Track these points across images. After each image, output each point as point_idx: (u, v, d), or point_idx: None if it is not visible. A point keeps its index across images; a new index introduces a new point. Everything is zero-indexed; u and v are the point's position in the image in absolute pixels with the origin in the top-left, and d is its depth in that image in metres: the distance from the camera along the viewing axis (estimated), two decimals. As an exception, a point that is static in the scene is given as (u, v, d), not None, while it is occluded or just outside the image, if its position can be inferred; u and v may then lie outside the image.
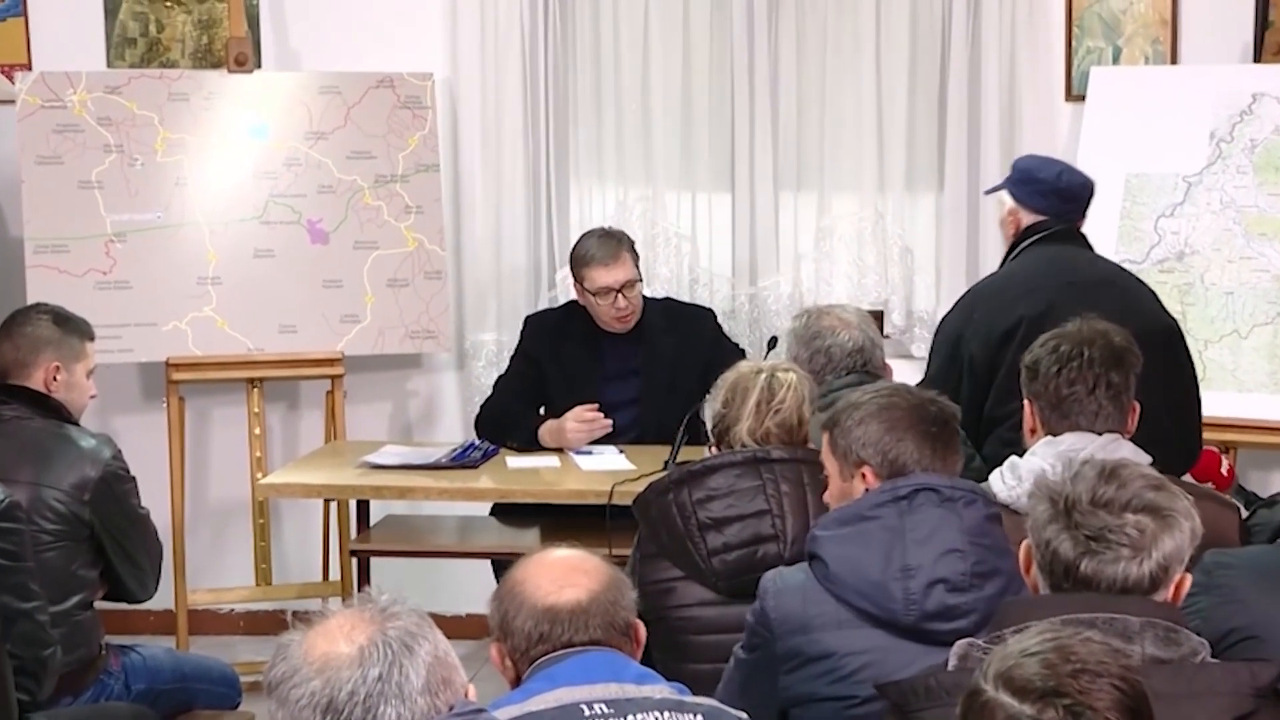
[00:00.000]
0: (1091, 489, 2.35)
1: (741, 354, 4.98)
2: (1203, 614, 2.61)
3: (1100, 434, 3.19)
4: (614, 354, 4.94)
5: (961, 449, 3.03)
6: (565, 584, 2.38)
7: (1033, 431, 3.30)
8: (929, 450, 2.96)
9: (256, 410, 5.32)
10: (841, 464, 3.05)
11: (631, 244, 4.94)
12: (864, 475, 3.00)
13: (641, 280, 4.93)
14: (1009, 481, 3.19)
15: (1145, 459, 3.14)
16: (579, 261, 4.89)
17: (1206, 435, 4.36)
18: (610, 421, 4.78)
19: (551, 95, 5.54)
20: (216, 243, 5.27)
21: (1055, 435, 3.22)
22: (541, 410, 4.94)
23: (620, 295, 4.85)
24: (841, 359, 4.05)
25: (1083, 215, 4.14)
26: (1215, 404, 4.62)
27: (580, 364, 4.92)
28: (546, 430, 4.80)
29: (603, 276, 4.84)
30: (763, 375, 3.48)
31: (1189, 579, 2.40)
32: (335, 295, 5.32)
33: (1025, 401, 3.31)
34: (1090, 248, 4.13)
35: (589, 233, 4.99)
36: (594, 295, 4.87)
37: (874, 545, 2.83)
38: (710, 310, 5.16)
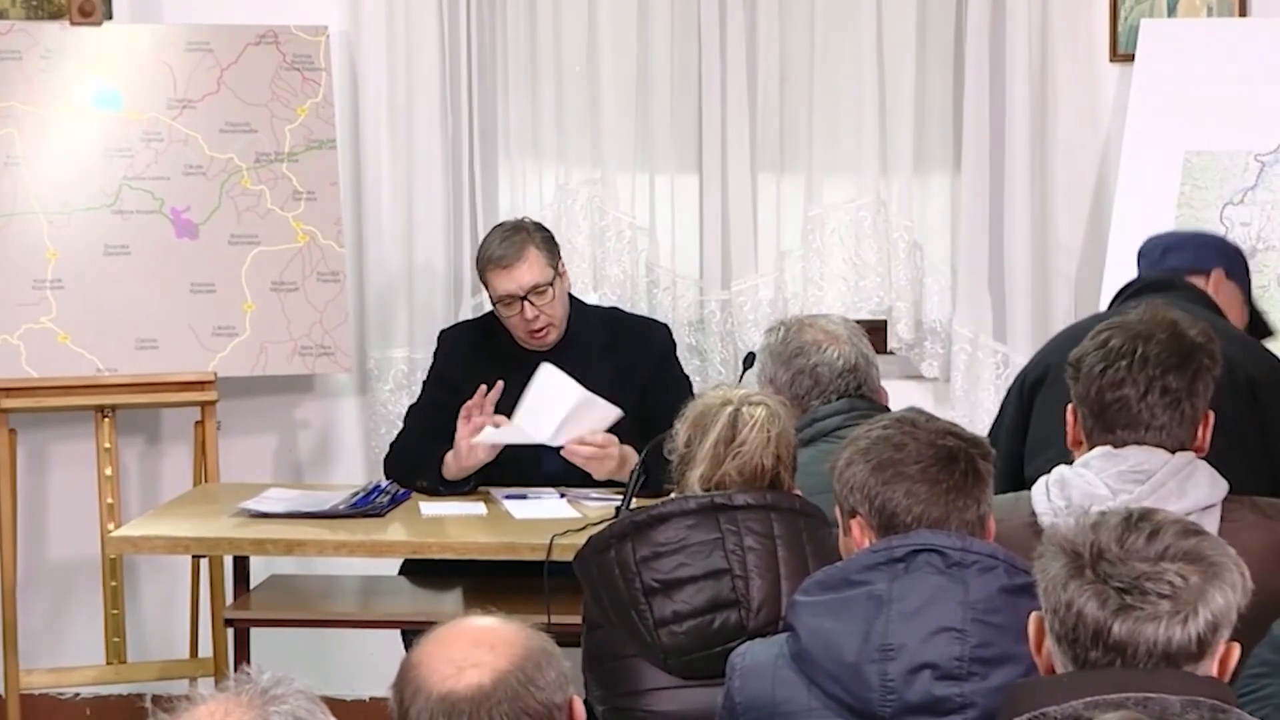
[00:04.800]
0: (1119, 535, 2.36)
1: (688, 386, 4.98)
2: (1274, 700, 2.62)
3: (1170, 451, 3.17)
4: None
5: (989, 493, 3.01)
6: (465, 665, 2.38)
7: (1077, 444, 3.29)
8: (934, 498, 2.94)
9: (108, 445, 5.29)
10: (840, 513, 3.08)
11: (546, 237, 4.92)
12: (856, 527, 3.02)
13: (560, 279, 4.89)
14: (1055, 501, 3.18)
15: (1223, 487, 3.14)
16: (480, 264, 4.92)
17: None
18: (496, 416, 4.72)
19: (476, 55, 5.54)
20: (57, 237, 5.24)
21: (1112, 447, 3.20)
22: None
23: (526, 304, 4.82)
24: (831, 380, 4.06)
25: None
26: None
27: (506, 387, 4.88)
28: (449, 458, 4.77)
29: (502, 281, 4.83)
30: (729, 409, 3.49)
31: (1237, 649, 2.41)
32: (206, 302, 5.30)
33: (1070, 408, 3.31)
34: (1213, 309, 3.94)
35: (494, 227, 5.01)
36: (499, 305, 4.87)
37: (854, 618, 2.85)
38: (665, 326, 5.16)
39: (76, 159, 5.28)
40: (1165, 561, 2.33)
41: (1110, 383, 3.19)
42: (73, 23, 5.31)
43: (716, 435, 3.46)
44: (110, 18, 5.47)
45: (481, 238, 5.50)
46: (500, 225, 4.98)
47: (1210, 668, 2.36)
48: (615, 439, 4.68)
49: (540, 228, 4.95)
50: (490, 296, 4.91)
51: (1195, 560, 2.35)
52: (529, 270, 4.81)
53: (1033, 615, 2.46)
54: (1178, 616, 2.31)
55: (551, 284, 4.84)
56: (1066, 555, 2.37)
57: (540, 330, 4.86)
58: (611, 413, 4.66)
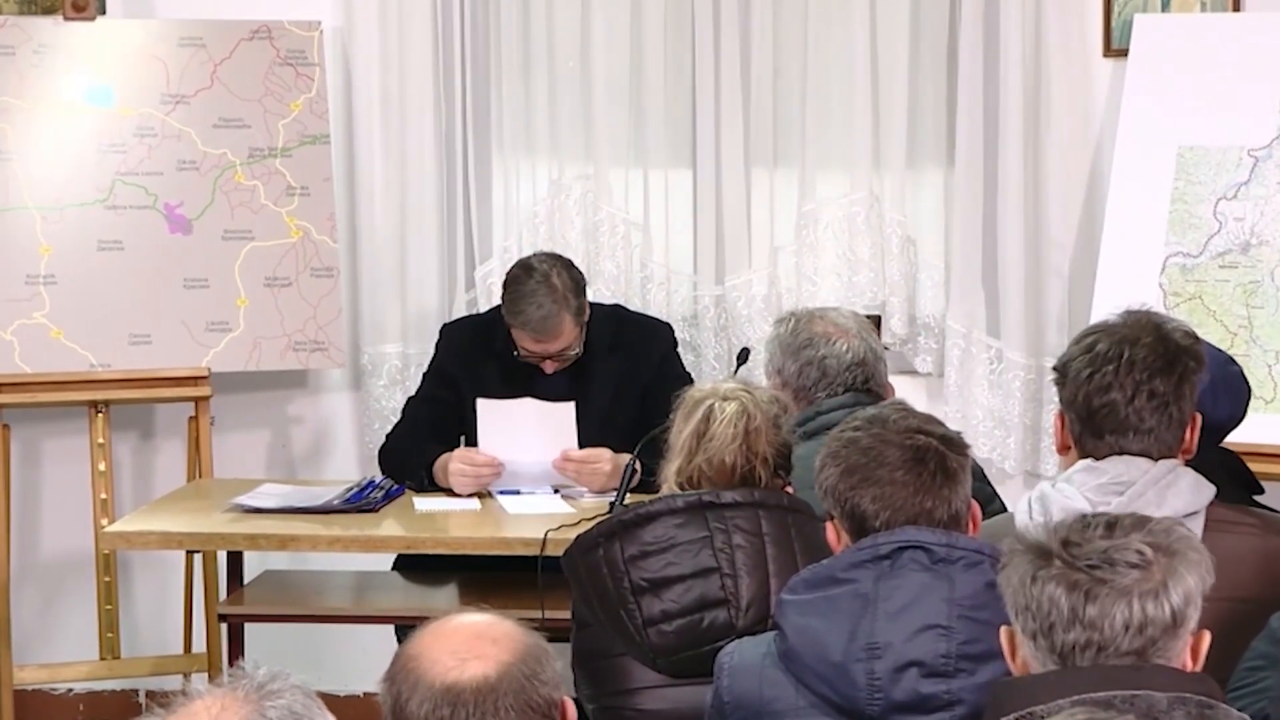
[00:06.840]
0: (1079, 530, 2.40)
1: (689, 384, 4.94)
2: (1270, 693, 2.63)
3: (1155, 458, 3.18)
4: (546, 377, 4.92)
5: (963, 489, 3.02)
6: (469, 656, 2.39)
7: (1065, 449, 3.30)
8: (902, 501, 2.95)
9: (101, 441, 5.29)
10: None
11: (578, 295, 4.85)
12: (832, 529, 3.04)
13: (584, 322, 4.89)
14: (1037, 517, 3.18)
15: (1208, 493, 3.15)
16: (506, 309, 4.86)
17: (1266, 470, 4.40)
18: (500, 470, 4.74)
19: (469, 50, 5.54)
20: (50, 232, 5.25)
21: (1094, 456, 3.21)
22: (463, 441, 4.91)
23: (549, 361, 4.85)
24: (838, 374, 4.08)
25: None
26: (1284, 432, 4.66)
27: (504, 388, 4.90)
28: (440, 467, 4.79)
29: (530, 344, 4.84)
30: (706, 402, 3.51)
31: (1207, 636, 2.43)
32: (200, 298, 5.31)
33: (1057, 413, 3.32)
34: None
35: (524, 272, 4.86)
36: (519, 348, 4.87)
37: (840, 616, 2.86)
38: (667, 325, 5.17)
39: (69, 154, 5.28)
40: (1128, 538, 2.37)
41: (1097, 387, 3.19)
42: (66, 18, 5.31)
43: (691, 429, 3.49)
44: (104, 13, 5.46)
45: (475, 233, 5.55)
46: (530, 276, 4.83)
47: (1184, 651, 2.38)
48: (605, 452, 4.70)
49: (573, 283, 4.84)
50: (510, 338, 4.87)
51: (1153, 537, 2.38)
52: (557, 341, 4.81)
53: (1002, 629, 2.48)
54: (1149, 589, 2.33)
55: (577, 345, 4.86)
56: (1032, 553, 2.39)
57: (555, 366, 4.88)
58: (566, 412, 4.69)
